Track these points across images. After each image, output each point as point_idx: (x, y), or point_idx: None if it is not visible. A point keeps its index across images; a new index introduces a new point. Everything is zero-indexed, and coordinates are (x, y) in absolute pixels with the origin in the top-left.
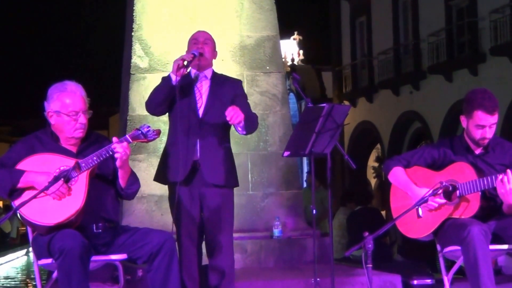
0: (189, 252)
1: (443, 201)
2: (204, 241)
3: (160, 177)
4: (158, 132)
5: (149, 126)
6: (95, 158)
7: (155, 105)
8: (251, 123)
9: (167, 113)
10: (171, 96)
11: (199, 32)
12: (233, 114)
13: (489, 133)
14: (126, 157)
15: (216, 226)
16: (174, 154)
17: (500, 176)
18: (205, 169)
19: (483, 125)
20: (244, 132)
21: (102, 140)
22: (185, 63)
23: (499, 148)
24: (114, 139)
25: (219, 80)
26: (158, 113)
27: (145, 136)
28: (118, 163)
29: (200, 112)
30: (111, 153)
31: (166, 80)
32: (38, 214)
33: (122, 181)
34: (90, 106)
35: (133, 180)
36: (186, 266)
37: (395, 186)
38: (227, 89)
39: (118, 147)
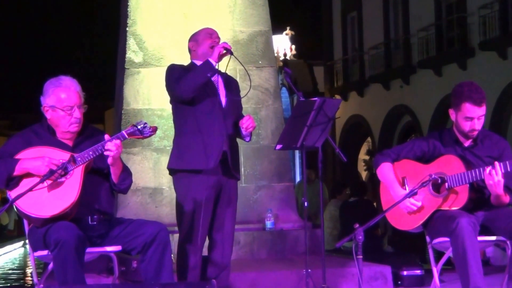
0: (197, 243)
1: (419, 203)
2: (209, 232)
3: (180, 164)
4: (154, 129)
5: (145, 123)
6: (91, 153)
7: (195, 88)
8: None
9: (159, 106)
10: (208, 79)
11: (210, 28)
12: (249, 123)
13: (478, 124)
14: (118, 155)
15: (226, 218)
16: (203, 140)
17: (488, 169)
18: (231, 160)
19: (471, 117)
20: (248, 140)
21: (98, 134)
22: (226, 51)
23: (488, 141)
24: (106, 136)
25: (223, 73)
26: (192, 98)
27: (141, 133)
28: (109, 160)
29: (223, 103)
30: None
31: (207, 65)
32: (33, 206)
33: (114, 177)
34: (85, 101)
35: (125, 176)
36: (192, 260)
37: None
38: (233, 82)
39: (110, 145)
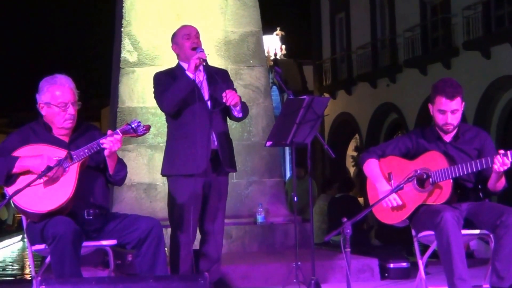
0: (189, 239)
1: (399, 201)
2: (201, 227)
3: (172, 170)
4: (147, 128)
5: (139, 122)
6: (86, 150)
7: (177, 103)
8: (245, 107)
9: (153, 105)
10: (188, 93)
11: (188, 26)
12: (230, 96)
13: (451, 119)
14: (116, 149)
15: (217, 212)
16: (190, 146)
17: (508, 158)
18: (223, 157)
19: (444, 110)
20: (241, 115)
21: (93, 130)
22: (202, 61)
23: (468, 133)
24: (109, 132)
25: (211, 71)
26: (177, 111)
27: (135, 131)
28: (106, 153)
29: (208, 103)
30: (101, 147)
31: (184, 79)
32: (30, 202)
33: (110, 168)
34: (80, 99)
35: (120, 167)
36: (183, 253)
37: None
38: (221, 79)
39: (107, 142)
